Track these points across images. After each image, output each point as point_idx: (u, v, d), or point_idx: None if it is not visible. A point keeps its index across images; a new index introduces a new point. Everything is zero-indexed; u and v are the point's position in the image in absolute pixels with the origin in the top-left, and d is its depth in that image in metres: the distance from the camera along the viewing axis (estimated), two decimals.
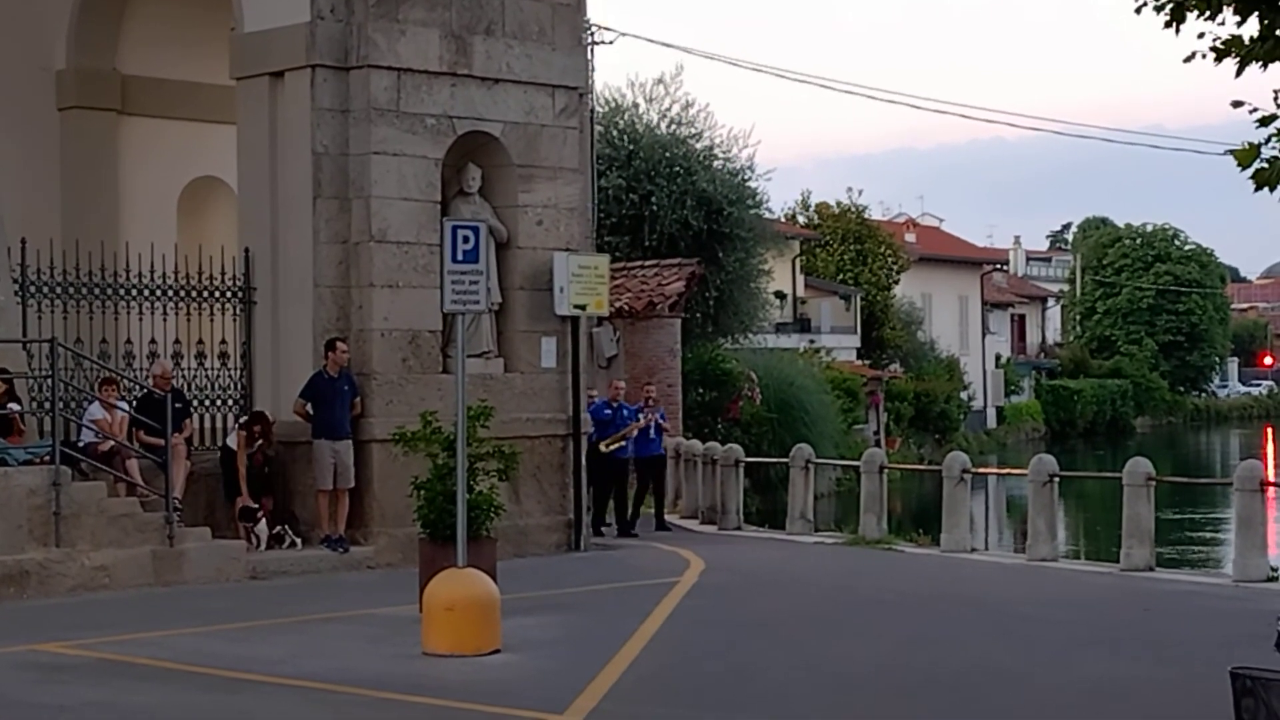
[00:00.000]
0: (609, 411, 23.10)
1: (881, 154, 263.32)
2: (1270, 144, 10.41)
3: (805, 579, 18.53)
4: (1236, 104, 10.48)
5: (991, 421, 72.39)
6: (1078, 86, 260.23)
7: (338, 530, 18.54)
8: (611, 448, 22.79)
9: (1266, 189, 10.49)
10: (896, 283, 62.42)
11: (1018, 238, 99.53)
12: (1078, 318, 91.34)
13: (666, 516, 24.33)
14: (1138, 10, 10.91)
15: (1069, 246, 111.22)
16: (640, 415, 23.46)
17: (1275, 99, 10.40)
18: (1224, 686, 7.05)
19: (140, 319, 19.06)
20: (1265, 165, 10.42)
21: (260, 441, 18.65)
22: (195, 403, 19.24)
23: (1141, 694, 11.65)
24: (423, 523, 14.73)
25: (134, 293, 19.01)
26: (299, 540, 18.57)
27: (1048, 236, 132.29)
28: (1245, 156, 10.50)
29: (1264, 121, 10.42)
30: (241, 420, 18.99)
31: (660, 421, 23.86)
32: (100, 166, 22.07)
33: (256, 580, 17.59)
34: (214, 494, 18.75)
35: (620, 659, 12.85)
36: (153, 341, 18.98)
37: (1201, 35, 10.46)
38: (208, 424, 19.43)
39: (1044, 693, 11.76)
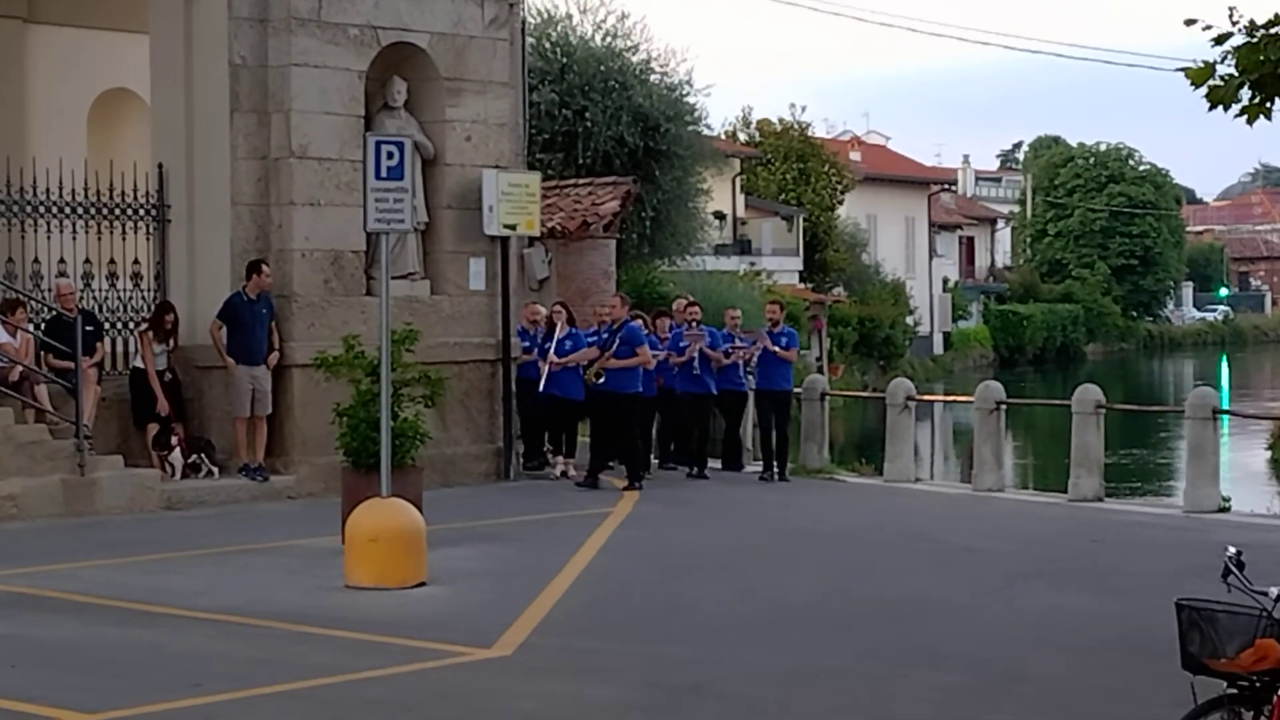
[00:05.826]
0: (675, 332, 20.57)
1: (827, 70, 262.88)
2: (1225, 62, 10.42)
3: (742, 509, 18.29)
4: (1190, 22, 10.44)
5: (938, 347, 72.37)
6: (1031, 2, 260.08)
7: (256, 459, 18.17)
8: (601, 380, 19.24)
9: (1220, 107, 10.52)
10: (840, 203, 62.05)
11: (966, 157, 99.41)
12: (1028, 240, 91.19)
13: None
14: None
15: (1019, 166, 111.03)
16: (733, 341, 20.75)
17: (1230, 16, 10.31)
18: (1170, 618, 6.79)
19: (49, 237, 18.41)
20: (1220, 84, 10.46)
21: (174, 342, 18.10)
22: (107, 325, 18.70)
23: (1084, 626, 11.62)
24: (345, 451, 14.64)
25: (42, 210, 18.33)
26: (216, 469, 18.17)
27: (998, 156, 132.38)
28: (1199, 75, 10.51)
29: (1219, 40, 10.41)
30: (145, 321, 18.40)
31: (782, 349, 20.51)
32: (6, 77, 21.29)
33: (172, 510, 17.26)
34: (127, 421, 18.28)
35: (550, 591, 12.79)
36: (61, 261, 18.37)
37: None
38: (119, 347, 18.88)
39: (983, 625, 11.74)
